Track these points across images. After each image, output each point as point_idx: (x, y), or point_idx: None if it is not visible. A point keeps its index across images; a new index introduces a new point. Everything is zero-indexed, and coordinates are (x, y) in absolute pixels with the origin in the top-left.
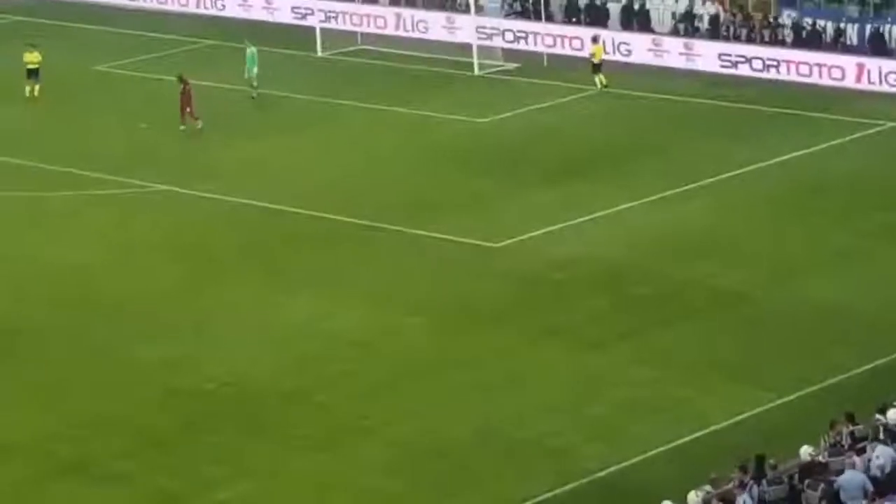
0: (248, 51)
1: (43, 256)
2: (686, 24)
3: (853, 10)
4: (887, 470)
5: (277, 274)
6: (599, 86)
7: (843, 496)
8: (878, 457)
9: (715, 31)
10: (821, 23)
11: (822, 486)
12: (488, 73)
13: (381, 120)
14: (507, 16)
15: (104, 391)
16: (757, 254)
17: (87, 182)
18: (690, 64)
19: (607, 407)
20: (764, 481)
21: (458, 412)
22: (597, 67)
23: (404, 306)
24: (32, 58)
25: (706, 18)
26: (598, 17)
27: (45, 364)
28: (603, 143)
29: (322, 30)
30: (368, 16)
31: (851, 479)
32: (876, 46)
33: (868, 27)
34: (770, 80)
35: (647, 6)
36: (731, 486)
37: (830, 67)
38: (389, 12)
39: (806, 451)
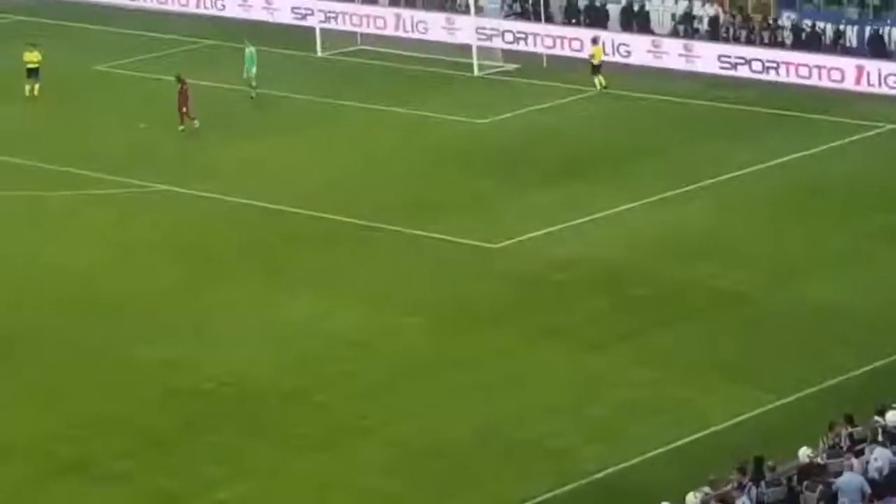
0: (248, 51)
1: (42, 256)
2: (685, 26)
3: (853, 12)
4: (885, 472)
5: (277, 274)
6: (599, 87)
7: (841, 498)
8: (876, 459)
9: (714, 33)
10: (820, 24)
11: (819, 487)
12: (488, 74)
13: (380, 120)
14: (506, 17)
15: (104, 391)
16: (757, 255)
17: (87, 182)
18: (690, 65)
19: (607, 408)
20: (762, 483)
21: (457, 412)
22: (596, 69)
23: (403, 306)
24: (32, 57)
25: (706, 20)
26: (597, 19)
27: (45, 364)
28: (602, 144)
29: (322, 30)
30: (368, 16)
31: (849, 481)
32: (875, 48)
33: (867, 29)
34: (769, 82)
35: (647, 7)
36: (729, 487)
37: (830, 69)
38: (389, 13)
39: (804, 453)
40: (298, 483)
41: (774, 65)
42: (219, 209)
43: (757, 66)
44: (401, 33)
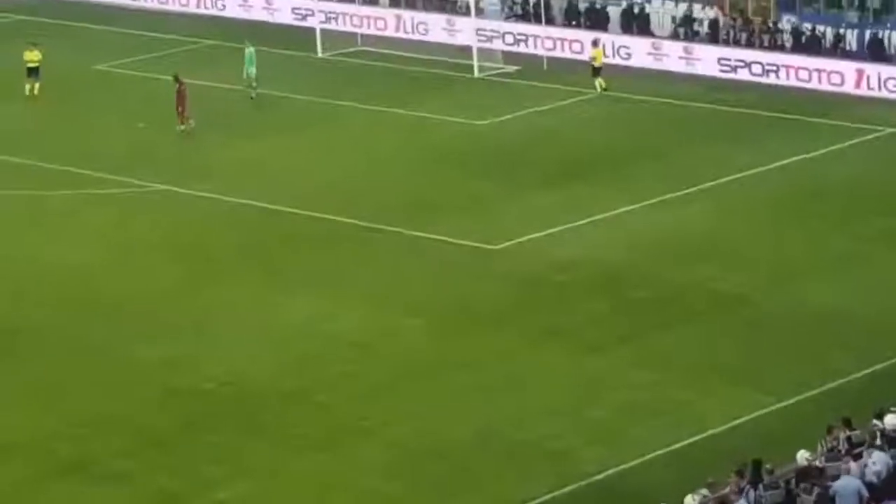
0: (247, 51)
1: (42, 256)
2: (686, 29)
3: (852, 15)
4: (883, 476)
5: (276, 274)
6: (599, 89)
7: (838, 502)
8: (874, 463)
9: (714, 36)
10: (820, 28)
11: (816, 490)
12: (488, 76)
13: (380, 121)
14: (507, 18)
15: (104, 391)
16: (756, 258)
17: (87, 181)
18: (690, 68)
19: (607, 410)
20: (761, 486)
21: (457, 414)
22: (597, 71)
23: (404, 307)
24: (33, 56)
25: (706, 23)
26: (598, 21)
27: (45, 364)
28: (603, 147)
29: (322, 31)
30: (369, 17)
31: (847, 484)
32: (875, 52)
33: (867, 33)
34: (769, 85)
35: (647, 10)
36: (727, 490)
37: (830, 73)
38: (390, 14)
39: (803, 456)
40: (299, 483)
41: (774, 68)
42: (219, 209)
43: (757, 69)
44: (401, 34)
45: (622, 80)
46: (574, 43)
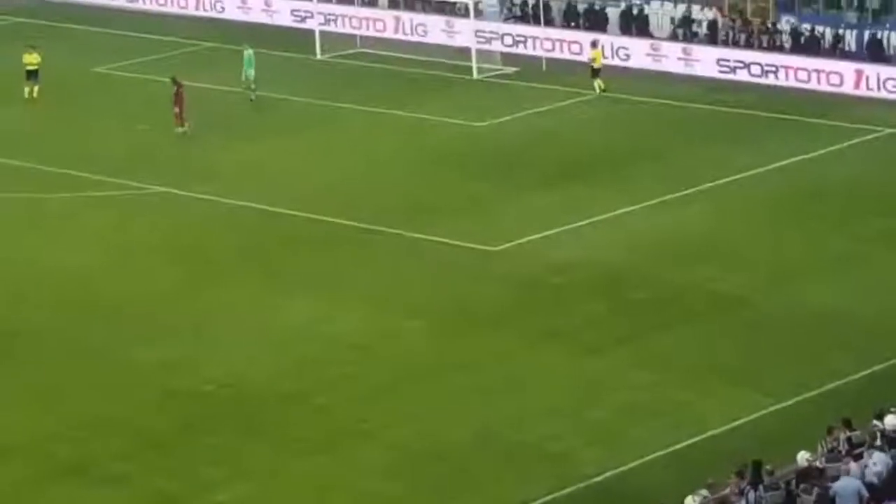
0: (246, 53)
1: (41, 258)
2: (685, 30)
3: (852, 16)
4: (884, 476)
5: (276, 276)
6: (598, 90)
7: (838, 502)
8: (875, 463)
9: (713, 37)
10: (819, 29)
11: (816, 490)
12: (487, 77)
13: (379, 123)
14: (506, 20)
15: (103, 393)
16: (756, 258)
17: (86, 184)
18: (689, 69)
19: (606, 411)
20: (761, 487)
21: (457, 416)
22: (596, 72)
23: (403, 309)
24: (32, 59)
25: (705, 24)
26: (596, 22)
27: (44, 365)
28: (601, 148)
29: (321, 33)
30: (368, 19)
31: (847, 485)
32: (874, 53)
33: (866, 33)
34: (768, 86)
35: (646, 11)
36: (728, 491)
37: (829, 73)
38: (389, 15)
39: (803, 457)
40: (298, 485)
41: (773, 68)
42: (218, 211)
43: (756, 69)
44: (400, 36)
45: (621, 82)
46: (573, 44)
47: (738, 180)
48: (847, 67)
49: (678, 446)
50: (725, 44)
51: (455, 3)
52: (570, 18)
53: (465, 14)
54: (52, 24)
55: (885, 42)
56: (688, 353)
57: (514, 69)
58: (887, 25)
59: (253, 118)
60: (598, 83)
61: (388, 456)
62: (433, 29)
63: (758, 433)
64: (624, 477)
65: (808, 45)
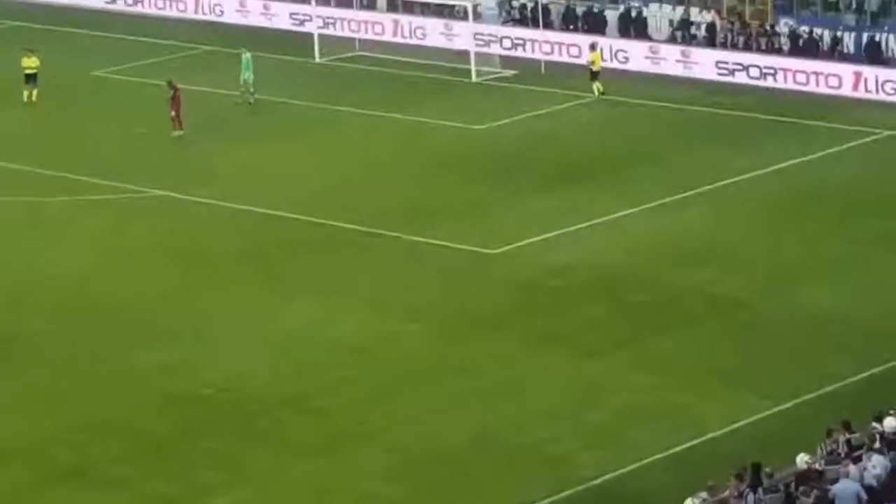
0: (243, 57)
1: (40, 262)
2: (683, 32)
3: (850, 18)
4: (883, 479)
5: (275, 280)
6: (597, 93)
7: None
8: (874, 466)
9: (712, 39)
10: (818, 31)
11: (814, 493)
12: (486, 80)
13: (378, 126)
14: (504, 23)
15: (102, 396)
16: (754, 261)
17: (84, 187)
18: (687, 71)
19: (605, 414)
20: (760, 489)
21: (456, 418)
22: (595, 75)
23: (402, 312)
24: (31, 63)
25: (703, 26)
26: (595, 25)
27: (43, 369)
28: (600, 150)
29: (320, 36)
30: (366, 22)
31: (845, 488)
32: (872, 55)
33: (865, 36)
34: (767, 88)
35: (645, 14)
36: (727, 494)
37: (827, 76)
38: (387, 19)
39: (802, 459)
40: (297, 489)
41: (772, 71)
42: (217, 215)
43: (754, 72)
44: (399, 39)
45: (620, 84)
46: (572, 47)
47: (736, 183)
48: (845, 70)
49: (677, 449)
50: (724, 46)
51: (454, 6)
52: (569, 21)
53: (464, 17)
54: (50, 27)
55: (883, 44)
56: (687, 355)
57: (512, 72)
58: (886, 28)
59: (252, 122)
60: (596, 86)
61: (388, 459)
62: (432, 32)
63: (757, 436)
64: (623, 480)
65: (806, 48)
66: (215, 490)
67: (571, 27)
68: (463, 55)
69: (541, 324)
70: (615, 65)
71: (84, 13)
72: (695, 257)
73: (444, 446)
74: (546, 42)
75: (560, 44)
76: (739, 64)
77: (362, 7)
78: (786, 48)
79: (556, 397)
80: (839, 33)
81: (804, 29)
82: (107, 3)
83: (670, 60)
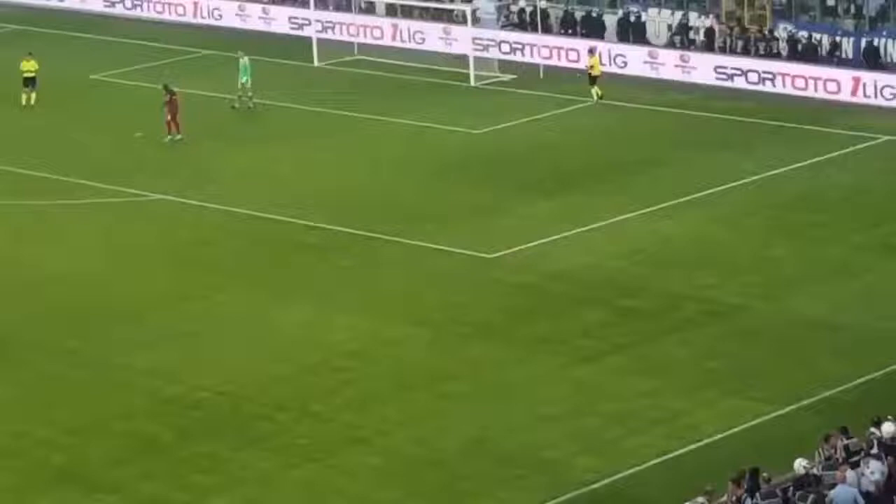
0: (241, 61)
1: (38, 264)
2: (682, 37)
3: (848, 23)
4: (881, 484)
5: (272, 283)
6: (595, 98)
7: None
8: (872, 472)
9: (710, 44)
10: (816, 36)
11: (812, 498)
12: (484, 85)
13: (377, 130)
14: (503, 27)
15: (97, 399)
16: (752, 266)
17: (83, 190)
18: (686, 76)
19: (601, 419)
20: (758, 494)
21: (452, 422)
22: (593, 79)
23: (400, 317)
24: (29, 66)
25: (702, 31)
26: (594, 29)
27: (39, 372)
28: (598, 155)
29: (319, 40)
30: (365, 26)
31: (843, 493)
32: (871, 60)
33: (863, 41)
34: (766, 93)
35: (644, 18)
36: (724, 499)
37: (826, 80)
38: (386, 23)
39: (800, 465)
40: (292, 492)
41: (770, 76)
42: (215, 218)
43: (753, 77)
44: (398, 43)
45: (618, 89)
46: (570, 51)
47: (734, 187)
48: (844, 75)
49: (674, 454)
50: (723, 51)
51: (452, 11)
52: (568, 26)
53: (463, 21)
54: (49, 31)
55: (881, 49)
56: (684, 360)
57: (511, 76)
58: (884, 33)
59: (250, 125)
60: (595, 90)
61: (383, 463)
62: (431, 36)
63: (754, 441)
64: (620, 485)
65: (805, 53)
66: (210, 493)
67: (570, 32)
68: (462, 59)
69: (538, 328)
70: (614, 69)
71: (83, 17)
72: (693, 262)
73: (441, 450)
74: (545, 46)
75: (559, 48)
76: (738, 69)
77: (361, 11)
78: (784, 53)
79: (553, 402)
80: (838, 38)
81: (803, 34)
82: (105, 6)
83: (669, 65)
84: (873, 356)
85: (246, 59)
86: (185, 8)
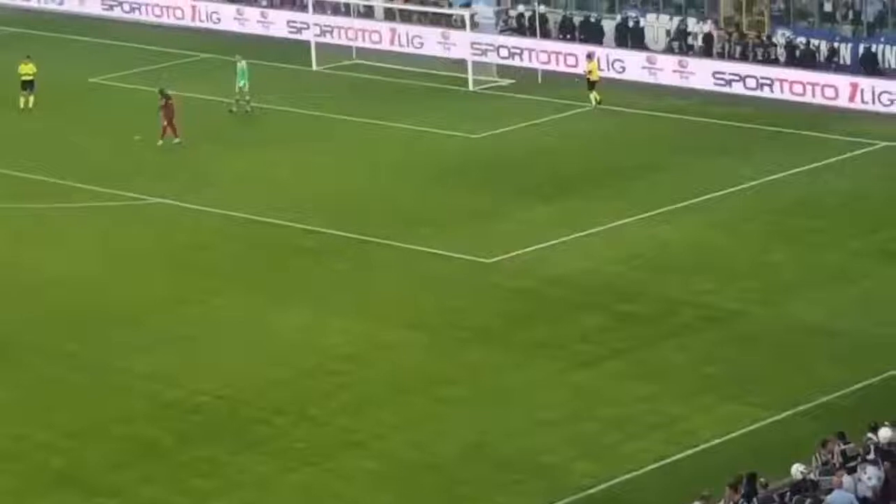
0: (239, 65)
1: (36, 268)
2: (680, 42)
3: (846, 29)
4: (878, 490)
5: (270, 287)
6: (594, 103)
7: None
8: (868, 477)
9: (709, 50)
10: (814, 42)
11: (808, 502)
12: (483, 89)
13: (375, 134)
14: (501, 32)
15: (97, 403)
16: (750, 271)
17: (81, 194)
18: (684, 82)
19: (599, 423)
20: (755, 499)
21: (449, 427)
22: (592, 84)
23: (397, 321)
24: (27, 69)
25: (700, 36)
26: (592, 35)
27: (38, 375)
28: (597, 160)
29: (317, 44)
30: (364, 30)
31: (840, 498)
32: (869, 66)
33: (861, 47)
34: (764, 99)
35: (642, 24)
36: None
37: (824, 86)
38: (385, 27)
39: (797, 470)
40: (290, 496)
41: (768, 82)
42: (213, 222)
43: (751, 82)
44: (396, 48)
45: (616, 94)
46: (569, 56)
47: (732, 193)
48: (842, 81)
49: (671, 459)
50: (721, 57)
51: (451, 15)
52: (566, 31)
53: (462, 26)
54: (48, 34)
55: (879, 55)
56: (682, 365)
57: (509, 81)
58: (882, 39)
59: (248, 129)
60: (593, 95)
61: (381, 467)
62: (429, 41)
63: (752, 446)
64: (617, 490)
65: (803, 59)
66: (209, 497)
67: (569, 37)
68: (460, 64)
69: (536, 333)
70: (612, 74)
71: (81, 20)
72: (691, 267)
73: (437, 455)
74: (543, 51)
75: (557, 53)
76: (736, 74)
77: (360, 15)
78: (782, 59)
79: (551, 407)
80: (836, 44)
81: (801, 40)
82: (104, 10)
83: (667, 70)
84: (871, 362)
85: (243, 62)
86: (183, 11)
